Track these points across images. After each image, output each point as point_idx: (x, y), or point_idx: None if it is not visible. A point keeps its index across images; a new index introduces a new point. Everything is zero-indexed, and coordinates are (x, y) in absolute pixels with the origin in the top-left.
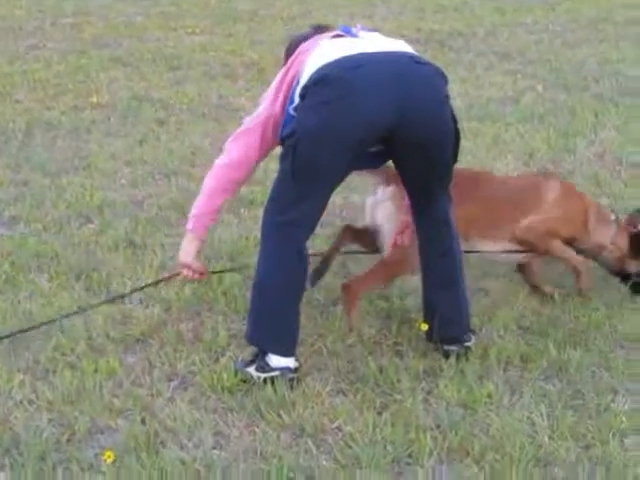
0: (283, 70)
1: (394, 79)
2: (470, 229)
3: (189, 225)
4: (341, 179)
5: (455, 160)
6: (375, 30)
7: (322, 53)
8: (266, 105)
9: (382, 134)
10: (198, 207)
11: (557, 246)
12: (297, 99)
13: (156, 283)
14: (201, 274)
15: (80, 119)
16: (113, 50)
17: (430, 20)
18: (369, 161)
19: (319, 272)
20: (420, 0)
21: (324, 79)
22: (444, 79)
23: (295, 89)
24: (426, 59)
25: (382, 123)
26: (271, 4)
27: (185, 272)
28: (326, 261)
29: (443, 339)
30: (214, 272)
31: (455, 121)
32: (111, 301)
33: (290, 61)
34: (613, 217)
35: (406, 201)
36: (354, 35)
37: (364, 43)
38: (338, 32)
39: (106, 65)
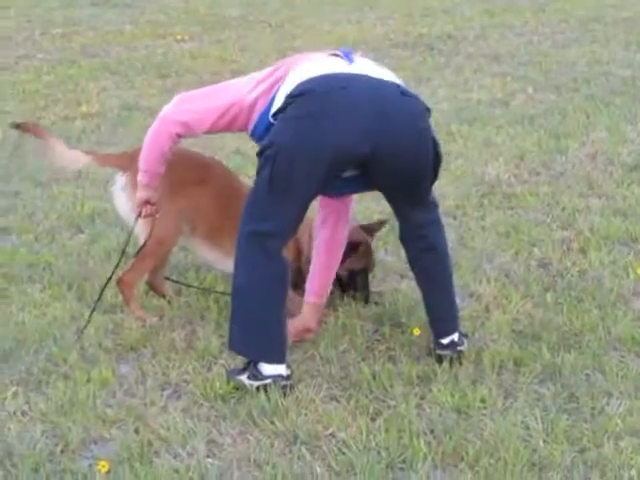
0: (273, 67)
1: (374, 108)
2: None
3: (144, 180)
4: (316, 195)
5: (436, 178)
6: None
7: (312, 65)
8: (241, 90)
9: (353, 160)
10: (147, 163)
11: None
12: (277, 103)
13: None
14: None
15: (70, 129)
16: (102, 59)
17: (419, 24)
18: (348, 186)
19: None
20: (408, 4)
21: (308, 92)
22: (426, 111)
23: (277, 92)
24: (411, 92)
25: (351, 150)
26: (259, 10)
27: (144, 210)
28: None
29: (437, 335)
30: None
31: (436, 145)
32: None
33: (282, 62)
34: None
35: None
36: (350, 60)
37: (355, 67)
38: (336, 52)
39: (96, 74)
